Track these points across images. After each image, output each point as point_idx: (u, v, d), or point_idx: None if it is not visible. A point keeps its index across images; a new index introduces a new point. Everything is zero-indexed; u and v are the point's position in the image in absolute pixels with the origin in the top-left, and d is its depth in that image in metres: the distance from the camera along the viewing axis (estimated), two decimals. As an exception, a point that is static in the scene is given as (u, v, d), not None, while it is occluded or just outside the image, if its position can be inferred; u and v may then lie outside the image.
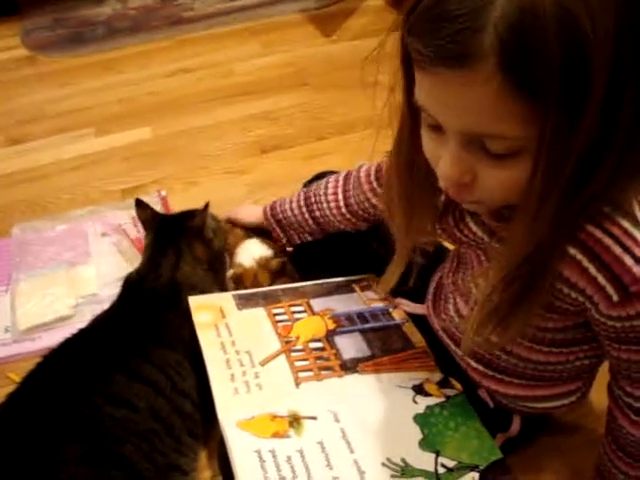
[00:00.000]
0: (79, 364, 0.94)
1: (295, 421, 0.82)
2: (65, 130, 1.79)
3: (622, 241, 0.59)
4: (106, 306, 1.21)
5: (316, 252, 1.15)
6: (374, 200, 0.99)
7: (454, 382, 0.90)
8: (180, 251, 1.12)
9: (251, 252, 1.13)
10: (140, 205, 1.21)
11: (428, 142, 0.64)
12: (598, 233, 0.60)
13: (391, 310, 1.03)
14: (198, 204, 1.48)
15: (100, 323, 1.05)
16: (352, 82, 1.79)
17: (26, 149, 1.74)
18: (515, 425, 0.89)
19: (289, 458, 0.77)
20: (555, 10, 0.47)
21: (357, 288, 1.08)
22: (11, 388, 0.92)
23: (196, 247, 1.14)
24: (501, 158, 0.56)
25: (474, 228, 0.75)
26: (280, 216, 1.14)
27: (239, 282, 1.11)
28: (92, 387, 0.90)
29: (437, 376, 0.91)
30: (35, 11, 2.37)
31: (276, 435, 0.80)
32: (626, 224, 0.59)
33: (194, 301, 1.00)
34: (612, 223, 0.59)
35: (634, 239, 0.59)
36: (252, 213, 1.22)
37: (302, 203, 1.10)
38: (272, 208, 1.16)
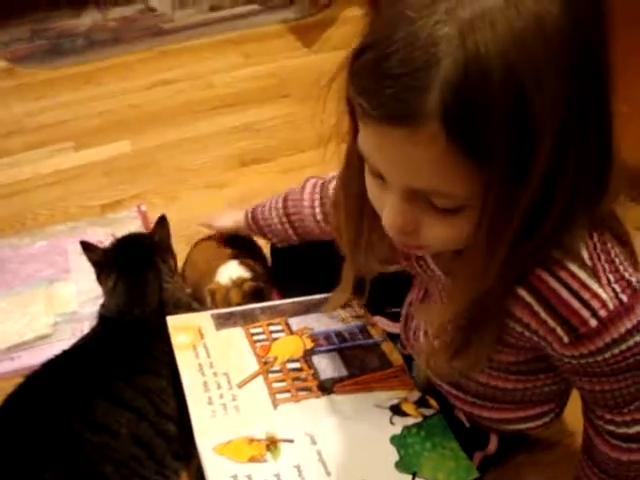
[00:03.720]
0: (59, 389, 0.94)
1: (272, 444, 0.82)
2: (44, 144, 1.77)
3: (569, 285, 0.60)
4: (86, 324, 1.22)
5: (295, 266, 1.15)
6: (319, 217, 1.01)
7: (431, 401, 0.91)
8: (158, 271, 1.12)
9: (229, 272, 1.12)
10: (87, 248, 1.16)
11: (372, 187, 0.63)
12: (546, 276, 0.61)
13: (369, 328, 1.03)
14: (179, 219, 1.49)
15: (81, 348, 1.04)
16: (333, 93, 1.80)
17: (4, 163, 1.72)
18: (492, 443, 0.90)
19: None
20: (503, 77, 0.46)
21: (336, 305, 1.08)
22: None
23: (169, 260, 1.15)
24: (446, 212, 0.56)
25: (431, 265, 0.75)
26: (259, 217, 1.13)
27: (212, 298, 1.11)
28: (72, 413, 0.90)
29: (415, 395, 0.92)
30: (12, 22, 2.34)
31: (253, 459, 0.80)
32: (574, 267, 0.60)
33: (173, 322, 0.99)
34: (560, 267, 0.60)
35: (581, 282, 0.60)
36: (230, 217, 1.21)
37: (280, 205, 1.08)
38: (253, 211, 1.14)
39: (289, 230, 1.08)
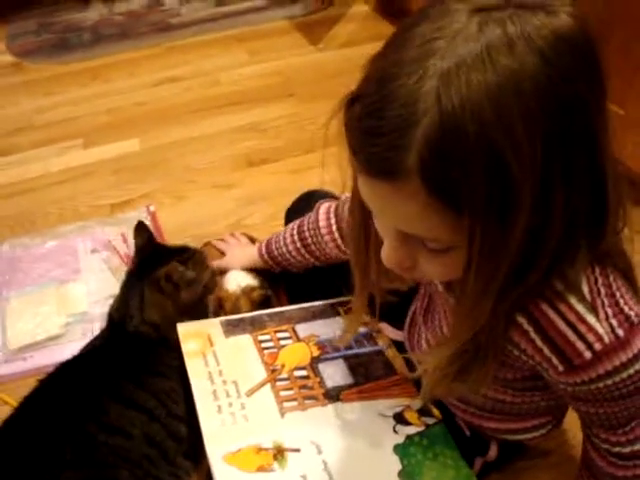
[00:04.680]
0: (72, 393, 0.96)
1: (279, 454, 0.85)
2: (53, 141, 1.80)
3: (567, 317, 0.62)
4: (97, 325, 1.24)
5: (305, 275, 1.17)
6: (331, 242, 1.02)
7: (434, 410, 0.93)
8: (142, 296, 1.08)
9: (238, 280, 1.15)
10: (139, 228, 1.17)
11: (375, 221, 0.66)
12: (545, 307, 0.62)
13: (374, 334, 1.06)
14: (187, 219, 1.52)
15: (92, 352, 1.07)
16: (339, 92, 1.81)
17: (13, 161, 1.75)
18: (492, 450, 0.92)
19: None
20: (476, 134, 0.47)
21: (342, 311, 1.10)
22: (2, 409, 0.94)
23: (156, 297, 1.08)
24: (438, 252, 0.58)
25: (436, 281, 0.77)
26: (276, 253, 1.13)
27: (220, 306, 1.14)
28: (86, 416, 0.93)
29: (418, 403, 0.94)
30: (19, 15, 2.35)
31: (261, 469, 0.83)
32: (573, 300, 0.61)
33: (183, 329, 1.02)
34: (556, 295, 0.62)
35: (578, 316, 0.62)
36: (243, 256, 1.21)
37: (296, 238, 1.08)
38: (267, 246, 1.15)
39: (310, 259, 1.09)
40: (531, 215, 0.51)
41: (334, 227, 1.01)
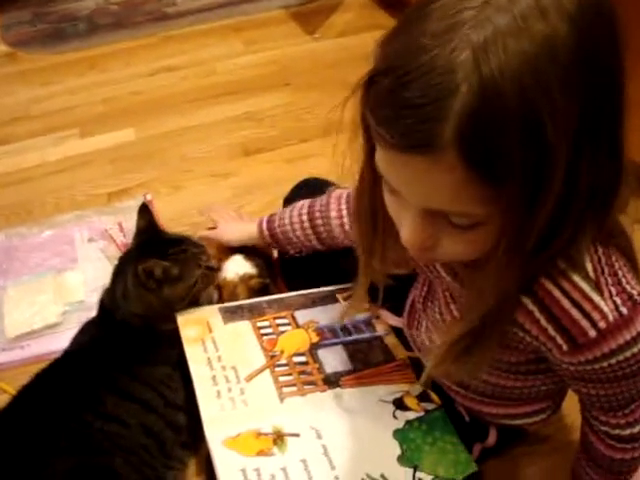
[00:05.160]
0: (69, 384, 0.97)
1: (279, 439, 0.85)
2: (49, 131, 1.78)
3: (571, 295, 0.62)
4: (93, 313, 1.24)
5: (303, 260, 1.17)
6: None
7: (433, 395, 0.93)
8: (126, 287, 1.06)
9: (236, 267, 1.14)
10: (142, 210, 1.12)
11: (390, 203, 0.64)
12: (550, 286, 0.62)
13: (374, 321, 1.06)
14: (184, 208, 1.51)
15: (88, 343, 1.07)
16: (335, 81, 1.81)
17: (10, 150, 1.74)
18: (492, 436, 0.93)
19: (273, 476, 0.81)
20: (517, 101, 0.47)
21: (341, 298, 1.10)
22: (1, 397, 0.94)
23: (139, 290, 1.04)
24: (463, 228, 0.57)
25: (438, 267, 0.77)
26: (278, 231, 1.12)
27: (219, 293, 1.14)
28: (82, 405, 0.93)
29: (417, 389, 0.95)
30: (14, 5, 2.33)
31: (261, 453, 0.83)
32: (577, 279, 0.62)
33: (182, 316, 1.02)
34: (560, 274, 0.62)
35: (583, 294, 0.62)
36: (237, 230, 1.21)
37: (305, 218, 1.07)
38: (269, 223, 1.13)
39: (313, 240, 1.07)
40: (563, 180, 0.51)
41: (344, 215, 1.01)
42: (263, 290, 1.13)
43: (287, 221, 1.09)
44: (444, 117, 0.49)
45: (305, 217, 1.06)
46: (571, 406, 0.87)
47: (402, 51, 0.52)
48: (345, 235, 1.02)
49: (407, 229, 0.60)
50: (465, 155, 0.49)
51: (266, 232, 1.13)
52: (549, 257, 0.59)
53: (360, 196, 0.73)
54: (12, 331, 1.26)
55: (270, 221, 1.13)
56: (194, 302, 1.07)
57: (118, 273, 1.10)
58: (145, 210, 1.11)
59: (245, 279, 1.12)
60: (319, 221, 1.05)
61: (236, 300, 1.10)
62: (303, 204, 1.08)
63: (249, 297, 1.11)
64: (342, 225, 1.02)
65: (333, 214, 1.02)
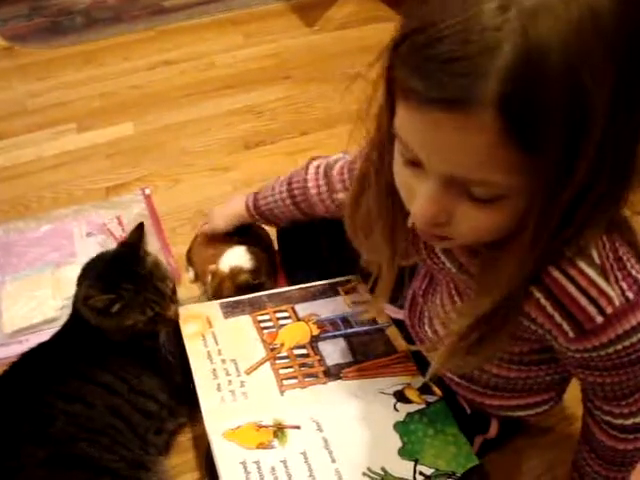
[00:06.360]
0: (33, 372, 0.96)
1: (279, 431, 0.85)
2: (46, 126, 1.78)
3: (577, 281, 0.61)
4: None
5: (302, 251, 1.17)
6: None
7: (434, 388, 0.93)
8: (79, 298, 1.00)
9: (232, 259, 1.13)
10: (137, 228, 1.03)
11: (403, 177, 0.61)
12: (556, 273, 0.62)
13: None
14: (183, 202, 1.51)
15: (56, 335, 1.04)
16: (335, 74, 1.79)
17: (7, 145, 1.73)
18: (493, 428, 0.92)
19: (273, 469, 0.80)
20: (562, 67, 0.46)
21: (342, 291, 1.10)
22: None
23: (84, 309, 0.97)
24: (483, 202, 0.55)
25: (442, 258, 0.75)
26: (264, 208, 1.11)
27: (211, 279, 1.14)
28: (44, 388, 0.92)
29: (418, 381, 0.94)
30: (11, -1, 2.33)
31: (261, 446, 0.82)
32: (583, 265, 0.61)
33: (183, 312, 1.02)
34: (566, 260, 0.61)
35: (589, 280, 0.61)
36: (225, 211, 1.19)
37: (284, 189, 1.06)
38: (255, 200, 1.12)
39: (295, 211, 1.07)
40: (595, 152, 0.50)
41: (323, 189, 1.00)
42: (251, 288, 1.10)
43: (270, 199, 1.09)
44: (484, 74, 0.47)
45: (285, 194, 1.06)
46: (572, 398, 0.86)
47: (438, 8, 0.50)
48: (326, 210, 1.02)
49: (421, 202, 0.58)
50: (503, 115, 0.47)
51: (253, 210, 1.13)
52: (563, 243, 0.58)
53: (377, 180, 0.70)
54: (11, 326, 1.25)
55: (255, 199, 1.12)
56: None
57: (82, 276, 1.03)
58: (139, 229, 1.02)
59: (234, 274, 1.11)
60: (298, 198, 1.04)
61: (221, 294, 1.09)
62: (283, 180, 1.07)
63: (235, 294, 1.09)
64: (322, 201, 1.01)
65: (312, 191, 1.01)
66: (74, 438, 0.88)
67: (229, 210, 1.19)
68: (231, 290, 1.11)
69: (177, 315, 1.01)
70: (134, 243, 1.00)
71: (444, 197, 0.56)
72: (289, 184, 1.06)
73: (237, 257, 1.14)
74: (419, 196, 0.58)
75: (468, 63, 0.47)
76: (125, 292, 0.94)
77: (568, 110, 0.47)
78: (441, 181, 0.56)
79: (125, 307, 0.94)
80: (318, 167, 1.02)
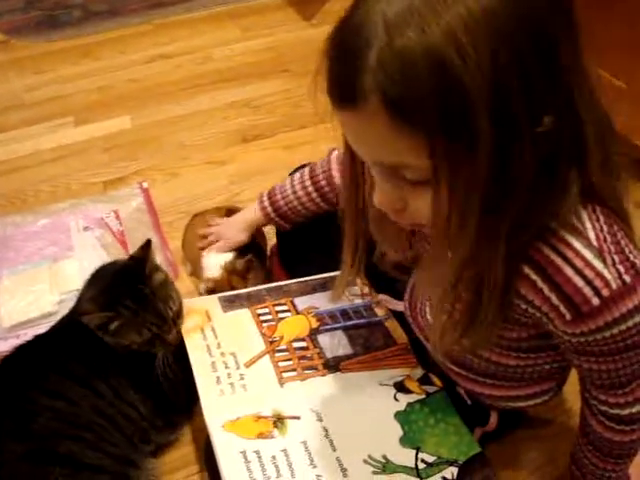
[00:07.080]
0: (21, 368, 0.95)
1: (279, 421, 0.84)
2: (44, 119, 1.77)
3: (573, 262, 0.61)
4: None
5: (301, 246, 1.16)
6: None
7: (434, 378, 0.93)
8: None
9: (216, 262, 1.13)
10: (145, 245, 1.01)
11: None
12: (549, 252, 0.62)
13: (374, 305, 1.05)
14: (181, 196, 1.51)
15: (48, 332, 1.04)
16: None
17: (4, 139, 1.73)
18: (493, 420, 0.92)
19: (274, 458, 0.80)
20: (424, 55, 0.49)
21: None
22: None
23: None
24: (420, 185, 0.58)
25: (427, 246, 0.77)
26: (282, 203, 1.09)
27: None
28: (28, 384, 0.91)
29: (418, 372, 0.94)
30: (7, -8, 2.31)
31: (261, 436, 0.82)
32: (576, 244, 0.61)
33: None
34: (562, 242, 0.61)
35: (586, 261, 0.61)
36: (237, 223, 1.18)
37: (308, 183, 1.06)
38: (271, 197, 1.10)
39: (321, 203, 1.07)
40: (494, 136, 0.51)
41: None
42: (249, 268, 1.11)
43: (289, 192, 1.08)
44: (362, 68, 0.52)
45: (308, 183, 1.06)
46: (571, 391, 0.86)
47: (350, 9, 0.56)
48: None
49: (376, 192, 0.64)
50: (384, 103, 0.52)
51: (269, 207, 1.11)
52: (516, 215, 0.58)
53: (343, 162, 0.75)
54: (8, 321, 1.24)
55: (271, 196, 1.11)
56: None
57: (88, 284, 1.02)
58: (146, 246, 1.00)
59: (231, 268, 1.11)
60: (323, 182, 1.05)
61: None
62: (303, 171, 1.08)
63: (245, 283, 1.09)
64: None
65: (336, 177, 1.03)
66: (57, 434, 0.87)
67: (243, 222, 1.17)
68: (241, 282, 1.12)
69: (178, 339, 0.97)
70: (141, 259, 0.98)
71: (389, 186, 0.62)
72: (312, 177, 1.06)
73: (217, 257, 1.14)
74: (376, 188, 0.64)
75: (349, 62, 0.53)
76: (125, 310, 0.93)
77: (440, 89, 0.50)
78: (379, 171, 0.62)
79: (123, 326, 0.93)
80: (340, 155, 1.02)
